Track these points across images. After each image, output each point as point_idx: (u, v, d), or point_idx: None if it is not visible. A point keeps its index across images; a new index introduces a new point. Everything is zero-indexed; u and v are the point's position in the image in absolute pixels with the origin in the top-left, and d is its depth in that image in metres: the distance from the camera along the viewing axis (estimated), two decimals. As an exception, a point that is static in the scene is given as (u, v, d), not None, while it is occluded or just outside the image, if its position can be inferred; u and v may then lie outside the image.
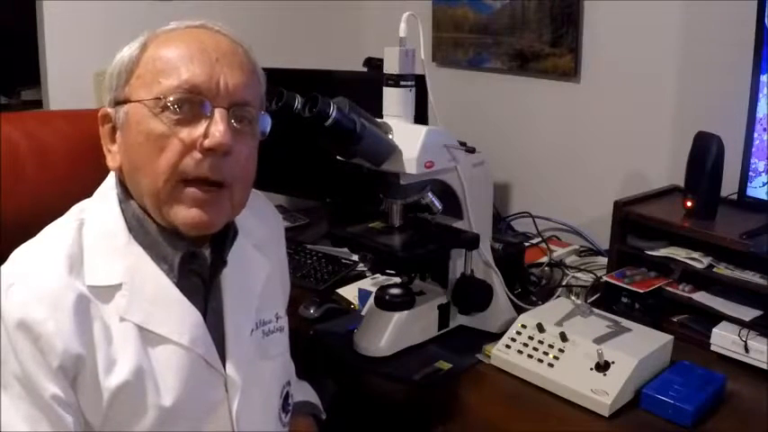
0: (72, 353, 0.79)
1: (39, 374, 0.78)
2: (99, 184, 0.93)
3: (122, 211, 0.88)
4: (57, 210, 0.91)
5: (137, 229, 0.87)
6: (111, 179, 0.92)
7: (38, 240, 0.86)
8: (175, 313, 0.87)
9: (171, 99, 0.82)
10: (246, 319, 0.96)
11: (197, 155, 0.83)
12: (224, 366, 0.90)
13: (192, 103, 0.83)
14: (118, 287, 0.84)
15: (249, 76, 0.88)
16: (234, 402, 0.90)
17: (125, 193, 0.89)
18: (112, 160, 0.89)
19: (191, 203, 0.84)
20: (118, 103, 0.87)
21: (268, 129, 0.91)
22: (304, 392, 1.17)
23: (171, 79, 0.83)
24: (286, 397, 1.03)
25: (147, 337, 0.84)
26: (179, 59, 0.84)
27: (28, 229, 0.89)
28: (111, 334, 0.82)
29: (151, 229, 0.87)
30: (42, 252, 0.84)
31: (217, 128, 0.82)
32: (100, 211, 0.89)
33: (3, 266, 0.82)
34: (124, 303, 0.84)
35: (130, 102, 0.85)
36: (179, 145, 0.83)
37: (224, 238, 0.93)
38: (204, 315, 0.89)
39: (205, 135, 0.83)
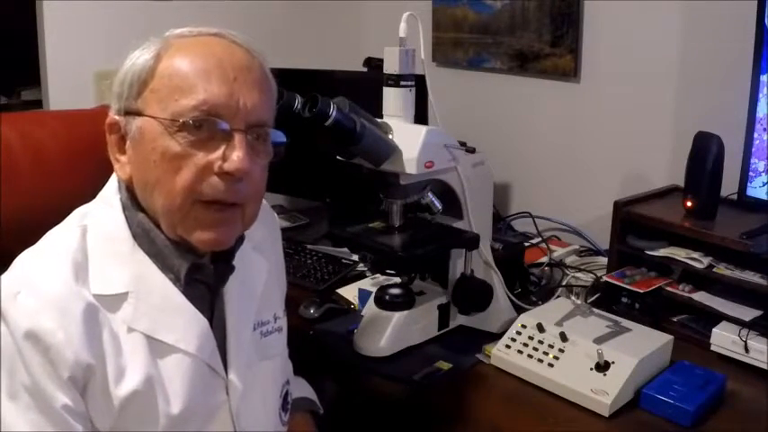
0: (82, 363, 0.78)
1: (49, 385, 0.77)
2: (94, 185, 0.92)
3: (127, 218, 0.87)
4: (52, 210, 0.90)
5: (142, 237, 0.86)
6: (113, 183, 0.90)
7: (41, 247, 0.85)
8: (182, 321, 0.86)
9: (188, 120, 0.80)
10: (247, 322, 0.96)
11: (214, 178, 0.82)
12: (225, 370, 0.90)
13: (210, 124, 0.81)
14: (124, 296, 0.83)
15: (265, 94, 0.87)
16: (235, 405, 0.90)
17: (132, 201, 0.88)
18: (122, 170, 0.87)
19: (205, 225, 0.84)
20: (129, 113, 0.85)
21: (284, 144, 0.90)
22: (301, 389, 1.17)
23: (188, 99, 0.81)
24: (285, 396, 1.03)
25: (155, 346, 0.84)
26: (196, 76, 0.82)
27: (24, 230, 0.88)
28: (119, 342, 0.82)
29: (158, 240, 0.86)
30: (47, 259, 0.83)
31: (236, 153, 0.81)
32: (104, 217, 0.87)
33: (6, 274, 0.82)
34: (131, 312, 0.83)
35: (144, 116, 0.83)
36: (196, 167, 0.81)
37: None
38: (210, 321, 0.89)
39: (223, 158, 0.81)
